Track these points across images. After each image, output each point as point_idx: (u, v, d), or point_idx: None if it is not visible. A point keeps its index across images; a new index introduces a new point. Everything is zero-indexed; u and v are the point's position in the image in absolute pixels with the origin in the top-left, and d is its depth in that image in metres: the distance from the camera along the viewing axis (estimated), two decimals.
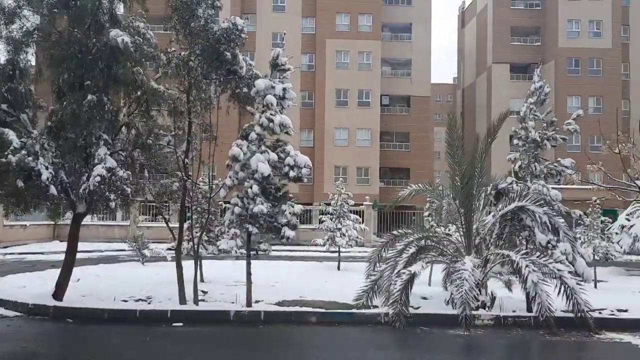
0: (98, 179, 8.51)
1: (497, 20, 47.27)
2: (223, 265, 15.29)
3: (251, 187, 8.81)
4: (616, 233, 16.68)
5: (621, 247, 16.68)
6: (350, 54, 43.67)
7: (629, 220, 17.33)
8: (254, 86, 9.01)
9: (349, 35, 43.49)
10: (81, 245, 11.49)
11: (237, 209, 9.00)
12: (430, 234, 10.70)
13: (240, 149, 8.88)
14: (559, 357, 7.57)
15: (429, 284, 12.34)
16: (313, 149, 42.71)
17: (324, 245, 16.63)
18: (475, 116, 50.49)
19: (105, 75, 8.65)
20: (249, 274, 9.34)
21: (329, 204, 17.09)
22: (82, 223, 10.16)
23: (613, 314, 9.64)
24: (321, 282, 12.91)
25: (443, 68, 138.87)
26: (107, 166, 8.64)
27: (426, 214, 15.37)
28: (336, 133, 43.64)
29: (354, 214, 17.81)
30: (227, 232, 9.27)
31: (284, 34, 11.10)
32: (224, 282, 12.16)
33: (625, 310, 9.85)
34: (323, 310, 9.31)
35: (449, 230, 12.93)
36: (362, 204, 29.29)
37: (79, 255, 10.65)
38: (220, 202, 13.77)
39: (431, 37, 46.56)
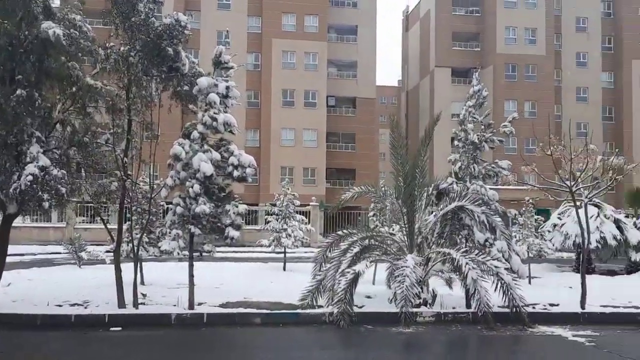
0: (30, 178, 8.09)
1: (439, 25, 48.64)
2: (165, 268, 14.92)
3: (193, 187, 8.64)
4: (548, 231, 17.53)
5: (553, 245, 17.53)
6: (296, 54, 43.72)
7: (560, 219, 18.25)
8: (197, 84, 8.84)
9: (295, 36, 43.52)
10: (12, 249, 10.90)
11: (179, 209, 8.80)
12: (374, 234, 10.85)
13: (182, 147, 8.69)
14: (495, 351, 7.85)
15: (373, 283, 12.51)
16: (259, 149, 42.45)
17: (269, 246, 16.54)
18: (418, 118, 51.68)
19: (37, 70, 8.23)
20: (191, 275, 9.15)
21: (274, 205, 17.02)
22: (13, 225, 9.63)
23: (545, 309, 10.10)
24: (266, 283, 12.83)
25: (389, 71, 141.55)
26: (40, 165, 8.22)
27: (371, 214, 15.59)
28: (283, 133, 43.57)
29: (300, 214, 17.81)
30: (169, 233, 9.05)
31: (227, 31, 10.96)
32: (165, 285, 11.86)
33: (557, 305, 10.34)
34: (268, 311, 9.25)
35: (392, 229, 13.16)
36: (308, 205, 29.38)
37: (9, 259, 10.10)
38: (161, 203, 13.43)
39: (376, 39, 47.30)
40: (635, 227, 17.98)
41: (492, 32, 46.97)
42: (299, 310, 9.34)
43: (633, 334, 8.93)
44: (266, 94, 43.39)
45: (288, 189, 16.52)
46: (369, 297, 10.61)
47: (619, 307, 10.45)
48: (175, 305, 9.43)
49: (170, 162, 8.83)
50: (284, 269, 16.13)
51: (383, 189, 11.74)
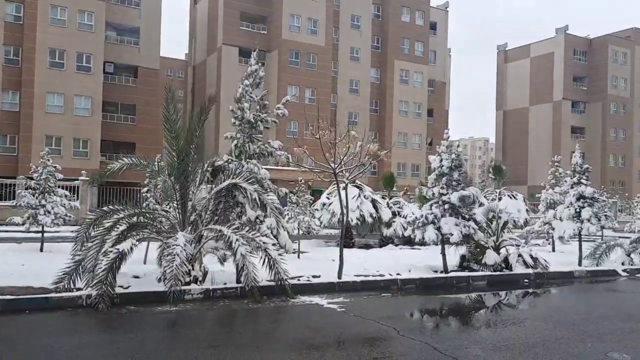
0: None
1: (228, 2, 48.47)
2: None
3: None
4: (316, 209, 19.00)
5: (321, 222, 19.09)
6: (68, 10, 39.07)
7: (329, 198, 19.93)
8: None
9: None
10: None
11: None
12: (144, 211, 10.33)
13: None
14: (258, 321, 8.18)
15: (145, 262, 11.96)
16: (18, 114, 37.12)
17: (23, 224, 14.55)
18: (205, 94, 51.01)
19: None
20: None
21: (31, 178, 14.99)
22: None
23: (309, 280, 10.90)
24: (16, 266, 11.26)
25: (179, 42, 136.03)
26: None
27: (145, 190, 14.81)
28: (49, 98, 38.75)
29: (65, 189, 16.02)
30: None
31: None
32: None
33: (319, 276, 11.25)
34: (10, 297, 8.09)
35: (168, 207, 12.71)
36: (77, 179, 26.73)
37: None
38: None
39: (161, 6, 44.91)
40: (388, 206, 20.60)
41: (279, 18, 48.65)
42: (51, 295, 8.39)
43: (376, 298, 10.22)
44: (29, 52, 37.93)
45: (48, 159, 14.68)
46: (137, 277, 10.09)
47: (369, 275, 11.84)
48: None
49: None
50: (41, 250, 14.38)
51: (159, 163, 11.20)
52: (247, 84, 10.76)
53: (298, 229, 15.61)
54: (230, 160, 11.08)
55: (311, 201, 18.55)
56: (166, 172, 10.38)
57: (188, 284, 9.39)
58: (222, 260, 10.75)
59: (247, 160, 11.01)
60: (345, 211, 12.32)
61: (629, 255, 16.32)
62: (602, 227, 15.71)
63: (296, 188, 16.03)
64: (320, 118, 12.55)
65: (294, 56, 48.84)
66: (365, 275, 11.80)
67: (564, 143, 64.14)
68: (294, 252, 14.70)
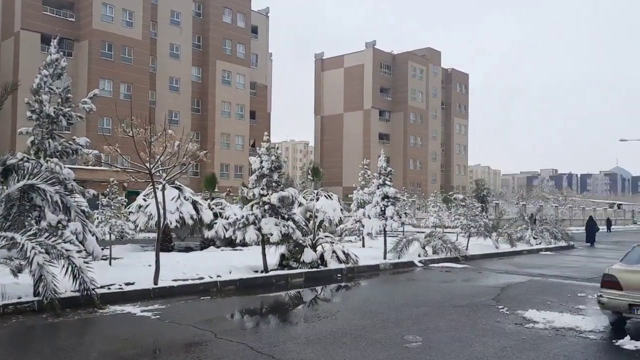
0: None
1: None
2: None
3: None
4: (131, 212, 17.85)
5: (137, 226, 17.94)
6: None
7: (145, 200, 18.85)
8: None
9: None
10: None
11: None
12: None
13: None
14: (59, 337, 7.35)
15: None
16: None
17: None
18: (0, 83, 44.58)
19: None
20: None
21: None
22: None
23: (121, 288, 10.17)
24: None
25: None
26: None
27: None
28: None
29: None
30: None
31: None
32: None
33: (132, 283, 10.56)
34: None
35: None
36: None
37: None
38: None
39: None
40: (210, 208, 20.25)
41: (89, 5, 44.74)
42: None
43: (195, 302, 9.96)
44: None
45: None
46: None
47: (187, 279, 11.48)
48: None
49: None
50: None
51: None
52: (46, 74, 9.63)
53: (110, 233, 14.47)
54: (26, 159, 9.80)
55: (125, 203, 17.33)
56: None
57: None
58: (17, 271, 9.45)
59: (48, 158, 9.85)
60: (162, 213, 11.78)
61: (423, 247, 18.45)
62: (403, 224, 17.53)
63: (108, 189, 14.85)
64: (136, 115, 11.82)
65: (107, 48, 45.32)
66: (184, 280, 11.42)
67: (373, 148, 70.18)
68: (104, 259, 13.63)
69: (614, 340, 7.31)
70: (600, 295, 7.93)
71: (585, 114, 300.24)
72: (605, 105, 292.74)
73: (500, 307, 9.68)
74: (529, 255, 22.18)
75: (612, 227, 51.68)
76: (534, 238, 25.87)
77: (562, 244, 26.28)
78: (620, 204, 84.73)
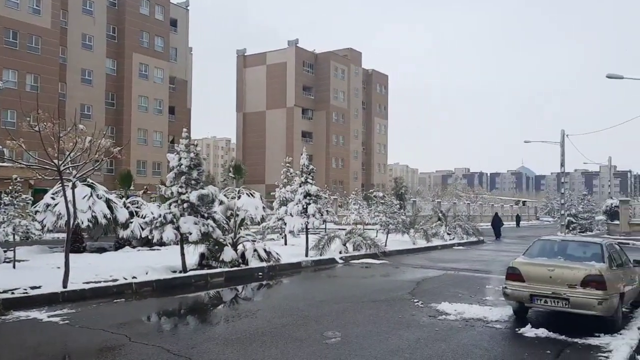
0: None
1: None
2: None
3: None
4: (38, 211, 16.77)
5: (44, 226, 16.90)
6: None
7: (54, 198, 17.77)
8: None
9: None
10: None
11: None
12: None
13: None
14: None
15: None
16: None
17: None
18: None
19: None
20: None
21: None
22: None
23: (26, 292, 9.54)
24: None
25: None
26: None
27: None
28: None
29: None
30: None
31: None
32: None
33: (39, 287, 9.94)
34: None
35: None
36: None
37: None
38: None
39: None
40: (125, 206, 19.44)
41: None
42: None
43: (108, 305, 9.52)
44: None
45: None
46: None
47: (100, 281, 10.96)
48: None
49: None
50: None
51: None
52: None
53: (14, 234, 13.50)
54: None
55: (31, 202, 16.23)
56: None
57: None
58: None
59: None
60: (73, 212, 11.16)
61: (344, 244, 18.82)
62: (325, 221, 17.76)
63: (11, 187, 13.83)
64: (43, 108, 11.10)
65: (11, 36, 42.15)
66: (97, 282, 10.90)
67: (296, 146, 70.43)
68: (8, 262, 12.72)
69: (517, 329, 7.84)
70: (505, 287, 8.48)
71: (495, 115, 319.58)
72: (514, 107, 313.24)
73: (415, 300, 10.08)
74: (443, 250, 23.25)
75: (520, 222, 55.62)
76: (448, 234, 27.15)
77: (473, 239, 27.77)
78: (524, 201, 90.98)
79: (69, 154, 10.46)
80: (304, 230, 17.21)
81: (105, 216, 17.94)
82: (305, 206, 16.98)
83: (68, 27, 47.15)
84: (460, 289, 11.84)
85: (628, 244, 26.54)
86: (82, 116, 39.98)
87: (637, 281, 9.41)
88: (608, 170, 63.61)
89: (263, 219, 21.29)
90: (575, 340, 7.29)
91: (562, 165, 38.09)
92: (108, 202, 18.47)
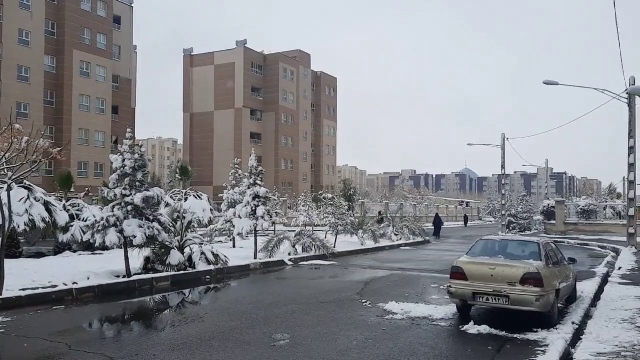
0: None
1: None
2: None
3: None
4: None
5: None
6: None
7: None
8: None
9: None
10: None
11: None
12: None
13: None
14: None
15: None
16: None
17: None
18: None
19: None
20: None
21: None
22: None
23: None
24: None
25: None
26: None
27: None
28: None
29: None
30: None
31: None
32: None
33: None
34: None
35: None
36: None
37: None
38: None
39: None
40: (65, 209, 18.68)
41: None
42: None
43: (47, 313, 9.11)
44: None
45: None
46: None
47: (38, 288, 10.49)
48: None
49: None
50: None
51: None
52: None
53: None
54: None
55: None
56: None
57: None
58: None
59: None
60: (8, 216, 10.60)
61: (294, 246, 18.81)
62: (274, 223, 17.69)
63: None
64: None
65: None
66: (34, 289, 10.42)
67: (245, 147, 69.78)
68: None
69: (460, 326, 8.08)
70: (450, 286, 8.72)
71: (438, 119, 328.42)
72: (456, 112, 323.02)
73: (363, 301, 10.21)
74: (391, 250, 23.66)
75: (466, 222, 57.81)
76: (395, 234, 27.65)
77: (420, 239, 28.42)
78: (468, 202, 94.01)
79: (4, 155, 9.97)
80: (253, 232, 17.08)
81: (43, 219, 17.14)
82: (254, 208, 16.85)
83: (3, 21, 44.85)
84: (407, 288, 12.08)
85: (563, 242, 27.93)
86: (19, 115, 38.07)
87: (571, 278, 9.91)
88: (545, 173, 66.66)
89: (211, 222, 20.90)
90: (515, 335, 7.59)
91: (503, 167, 39.67)
92: (47, 204, 17.67)
